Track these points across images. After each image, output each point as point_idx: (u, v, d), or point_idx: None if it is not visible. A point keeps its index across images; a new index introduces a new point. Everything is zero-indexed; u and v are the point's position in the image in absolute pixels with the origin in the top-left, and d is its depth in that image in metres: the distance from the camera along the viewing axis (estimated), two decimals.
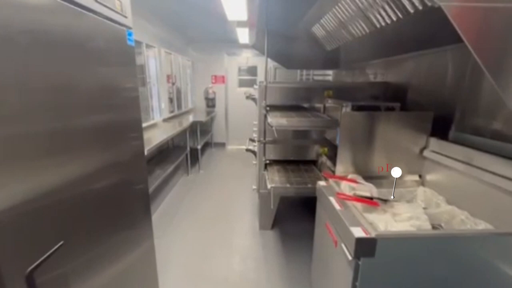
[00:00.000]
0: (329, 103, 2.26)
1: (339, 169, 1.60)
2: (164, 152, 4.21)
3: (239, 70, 6.25)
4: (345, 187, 1.52)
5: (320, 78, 4.32)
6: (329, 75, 4.21)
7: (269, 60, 5.10)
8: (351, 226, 1.08)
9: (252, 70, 6.22)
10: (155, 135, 3.41)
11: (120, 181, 1.27)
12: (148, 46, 3.65)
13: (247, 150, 2.85)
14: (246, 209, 3.24)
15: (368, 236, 1.01)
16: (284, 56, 3.77)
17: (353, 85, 2.60)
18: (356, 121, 1.58)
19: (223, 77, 6.04)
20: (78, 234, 0.99)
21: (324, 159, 2.41)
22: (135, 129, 1.40)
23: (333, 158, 2.29)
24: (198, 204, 3.36)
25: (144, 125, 3.58)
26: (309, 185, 2.12)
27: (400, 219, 1.15)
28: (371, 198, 1.20)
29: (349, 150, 1.59)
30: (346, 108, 1.75)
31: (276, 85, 2.41)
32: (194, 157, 4.66)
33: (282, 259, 2.30)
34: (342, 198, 1.19)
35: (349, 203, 1.25)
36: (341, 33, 2.57)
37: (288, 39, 3.43)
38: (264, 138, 2.47)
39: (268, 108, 2.37)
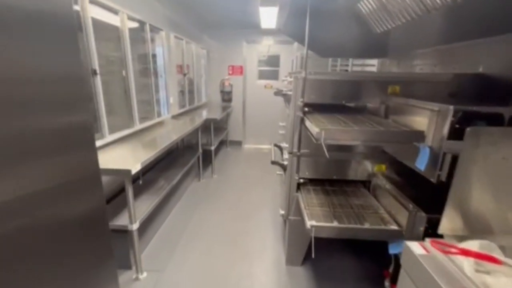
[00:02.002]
0: (398, 103, 1.57)
1: (446, 225, 0.93)
2: (173, 154, 3.66)
3: (259, 60, 5.56)
4: (462, 262, 0.86)
5: (359, 69, 3.57)
6: (370, 65, 3.45)
7: (297, 47, 4.39)
8: None
9: (274, 60, 5.51)
10: (161, 135, 2.84)
11: (60, 211, 0.92)
12: (154, 28, 3.05)
13: (273, 162, 2.21)
14: (267, 232, 2.62)
15: None
16: (318, 41, 3.05)
17: (427, 77, 1.85)
18: (481, 142, 0.90)
19: (241, 67, 5.39)
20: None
21: (382, 181, 1.73)
22: (80, 139, 0.97)
23: (398, 182, 1.61)
24: (209, 224, 2.77)
25: (149, 123, 3.02)
26: (366, 225, 1.46)
27: None
28: None
29: (465, 192, 0.92)
30: (448, 116, 1.05)
31: (318, 77, 1.74)
32: (207, 159, 4.08)
33: None
34: None
35: None
36: (403, 5, 1.84)
37: (325, 19, 2.73)
38: (299, 150, 1.82)
39: (306, 109, 1.71)
